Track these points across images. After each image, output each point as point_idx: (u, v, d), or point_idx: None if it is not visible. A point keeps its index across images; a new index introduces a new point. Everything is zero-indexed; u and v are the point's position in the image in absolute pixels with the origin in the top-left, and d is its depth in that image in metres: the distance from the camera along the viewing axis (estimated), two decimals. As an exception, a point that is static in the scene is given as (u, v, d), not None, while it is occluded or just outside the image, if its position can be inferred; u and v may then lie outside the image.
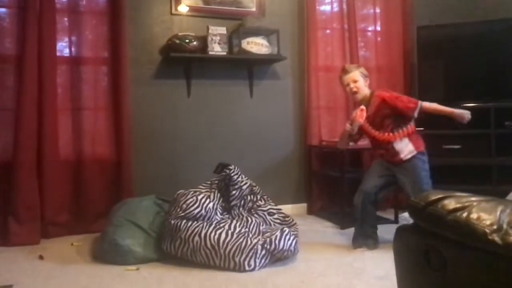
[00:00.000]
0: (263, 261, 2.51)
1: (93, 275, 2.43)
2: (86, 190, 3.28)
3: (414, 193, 2.55)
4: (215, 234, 2.50)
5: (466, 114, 2.80)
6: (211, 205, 2.66)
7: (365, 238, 2.87)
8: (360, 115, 2.71)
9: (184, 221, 2.58)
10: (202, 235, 2.50)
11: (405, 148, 2.78)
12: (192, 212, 2.60)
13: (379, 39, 4.17)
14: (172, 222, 2.59)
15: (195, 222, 2.58)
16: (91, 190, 3.29)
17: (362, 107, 2.74)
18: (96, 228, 3.17)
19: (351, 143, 3.05)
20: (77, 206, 3.29)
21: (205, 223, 2.58)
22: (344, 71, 2.87)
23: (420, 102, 2.79)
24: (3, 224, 3.05)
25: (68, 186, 3.26)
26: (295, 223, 2.91)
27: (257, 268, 2.47)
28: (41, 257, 2.75)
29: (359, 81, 2.82)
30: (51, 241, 3.12)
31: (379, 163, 2.92)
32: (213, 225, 2.58)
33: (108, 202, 3.25)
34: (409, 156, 2.77)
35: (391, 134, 2.78)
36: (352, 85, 2.82)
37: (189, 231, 2.52)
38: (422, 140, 2.89)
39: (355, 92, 2.83)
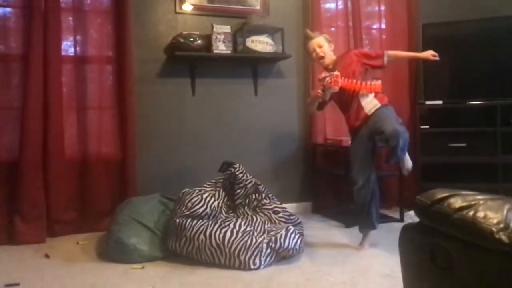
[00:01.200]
0: (268, 259, 2.51)
1: (98, 274, 2.44)
2: (91, 189, 3.29)
3: (388, 129, 2.54)
4: (220, 232, 2.51)
5: (430, 53, 2.84)
6: (216, 203, 2.66)
7: (372, 222, 2.85)
8: (335, 82, 2.64)
9: (189, 219, 2.58)
10: (207, 233, 2.50)
11: (370, 103, 2.76)
12: (197, 211, 2.60)
13: (384, 36, 4.15)
14: (177, 220, 2.60)
15: (200, 220, 2.59)
16: (96, 189, 3.30)
17: (337, 73, 2.68)
18: (102, 227, 3.18)
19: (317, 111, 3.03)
20: (83, 205, 3.30)
21: (210, 222, 2.58)
22: (308, 37, 2.86)
23: (386, 51, 2.88)
24: (9, 223, 3.06)
25: (73, 185, 3.28)
26: (300, 222, 2.91)
27: (262, 266, 2.47)
28: (47, 256, 2.76)
29: (324, 46, 2.82)
30: (57, 239, 3.13)
31: (354, 142, 2.89)
32: (218, 224, 2.58)
33: (114, 201, 3.27)
34: (373, 110, 2.74)
35: (358, 82, 2.76)
36: (318, 50, 2.81)
37: (194, 230, 2.53)
38: (387, 99, 2.87)
39: (322, 57, 2.82)
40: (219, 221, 2.63)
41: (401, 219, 3.55)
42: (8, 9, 3.16)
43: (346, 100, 2.82)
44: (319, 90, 2.78)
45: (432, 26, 3.89)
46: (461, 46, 3.87)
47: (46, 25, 3.10)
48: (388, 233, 3.15)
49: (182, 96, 3.59)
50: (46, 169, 3.13)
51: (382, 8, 4.14)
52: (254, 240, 2.50)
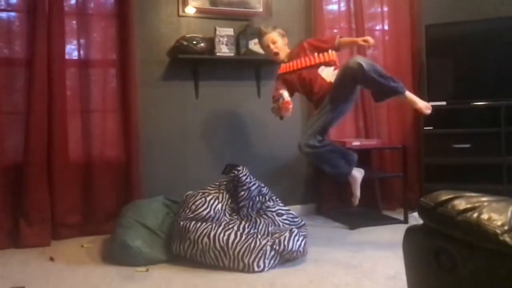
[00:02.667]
0: (272, 262, 2.50)
1: (103, 276, 2.44)
2: (95, 192, 3.30)
3: (349, 64, 2.53)
4: (224, 235, 2.51)
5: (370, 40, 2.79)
6: (219, 206, 2.66)
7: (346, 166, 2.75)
8: (286, 108, 2.62)
9: (193, 222, 2.59)
10: (211, 236, 2.50)
11: (331, 75, 2.74)
12: (201, 213, 2.60)
13: (387, 38, 4.15)
14: (181, 223, 2.60)
15: (204, 223, 2.59)
16: (100, 192, 3.31)
17: (287, 99, 2.66)
18: (106, 229, 3.19)
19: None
20: (87, 208, 3.31)
21: (214, 224, 2.58)
22: (262, 33, 2.84)
23: (338, 36, 2.86)
24: (14, 226, 3.08)
25: (78, 188, 3.29)
26: (304, 224, 2.91)
27: (266, 269, 2.46)
28: (51, 259, 2.77)
29: (277, 41, 2.80)
30: (62, 242, 3.14)
31: (315, 111, 2.81)
32: (222, 226, 2.58)
33: (118, 203, 3.28)
34: (334, 77, 2.73)
35: (311, 57, 2.74)
36: (271, 46, 2.79)
37: (198, 232, 2.53)
38: None
39: (276, 53, 2.80)
40: (223, 223, 2.63)
41: (405, 221, 3.54)
42: (12, 13, 3.18)
43: (309, 84, 2.77)
44: (274, 105, 2.77)
45: (435, 27, 3.89)
46: (464, 46, 3.86)
47: (50, 29, 3.11)
48: (393, 235, 3.14)
49: (186, 99, 3.59)
50: (50, 172, 3.15)
51: (385, 9, 4.13)
52: (258, 242, 2.50)
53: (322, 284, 2.28)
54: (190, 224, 2.57)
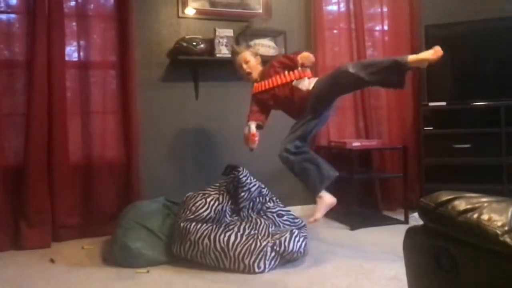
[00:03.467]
0: (272, 263, 2.50)
1: (104, 278, 2.44)
2: (96, 193, 3.31)
3: (343, 67, 2.49)
4: (224, 236, 2.51)
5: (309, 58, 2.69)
6: (220, 207, 2.66)
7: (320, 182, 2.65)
8: (252, 141, 2.60)
9: (194, 223, 2.59)
10: (212, 237, 2.50)
11: (307, 84, 2.69)
12: (201, 215, 2.60)
13: (386, 38, 4.15)
14: (182, 224, 2.60)
15: (205, 224, 2.59)
16: (101, 193, 3.31)
17: (253, 131, 2.63)
18: (107, 231, 3.18)
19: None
20: (87, 209, 3.31)
21: (214, 226, 2.58)
22: (235, 52, 2.81)
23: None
24: (15, 228, 3.08)
25: (78, 189, 3.29)
26: (304, 225, 2.90)
27: (266, 270, 2.46)
28: (52, 261, 2.77)
29: (250, 60, 2.76)
30: (62, 244, 3.14)
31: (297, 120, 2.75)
32: (222, 228, 2.58)
33: (118, 205, 3.28)
34: (313, 83, 2.67)
35: (284, 75, 2.70)
36: (244, 66, 2.76)
37: (199, 234, 2.53)
38: None
39: (249, 73, 2.76)
40: (223, 224, 2.63)
41: (406, 221, 3.54)
42: (12, 15, 3.18)
43: (286, 101, 2.72)
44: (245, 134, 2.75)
45: (435, 27, 3.89)
46: (464, 47, 3.86)
47: (49, 31, 3.12)
48: (393, 235, 3.14)
49: (185, 100, 3.60)
50: (50, 174, 3.15)
51: (385, 9, 4.13)
52: (258, 243, 2.49)
53: (322, 285, 2.28)
54: (190, 226, 2.57)
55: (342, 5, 4.03)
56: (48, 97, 3.13)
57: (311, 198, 2.70)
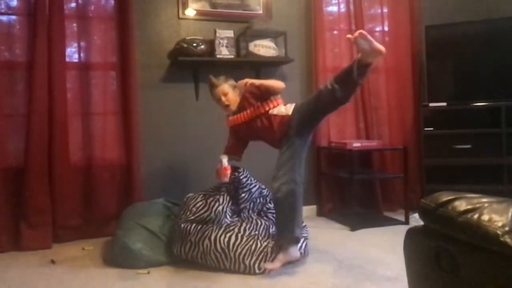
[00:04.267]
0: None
1: (104, 279, 2.44)
2: (96, 194, 3.31)
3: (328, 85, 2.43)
4: (225, 237, 2.51)
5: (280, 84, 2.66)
6: (220, 208, 2.66)
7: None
8: (223, 174, 2.57)
9: (194, 224, 2.59)
10: (212, 238, 2.50)
11: (284, 109, 2.65)
12: (202, 216, 2.60)
13: (387, 39, 4.15)
14: (182, 225, 2.60)
15: (205, 225, 2.59)
16: (101, 194, 3.31)
17: (225, 165, 2.59)
18: (107, 232, 3.19)
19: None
20: (88, 211, 3.31)
21: (214, 226, 2.58)
22: (213, 85, 2.78)
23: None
24: (15, 229, 3.08)
25: (78, 191, 3.29)
26: (305, 226, 2.90)
27: (267, 271, 2.46)
28: (53, 262, 2.77)
29: (229, 93, 2.75)
30: (63, 245, 3.15)
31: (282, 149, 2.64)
32: (223, 228, 2.58)
33: (119, 206, 3.28)
34: (291, 109, 2.62)
35: (257, 106, 2.67)
36: (223, 98, 2.74)
37: (199, 235, 2.53)
38: None
39: (227, 106, 2.75)
40: (224, 225, 2.63)
41: (406, 222, 3.54)
42: (13, 17, 3.18)
43: (265, 130, 2.67)
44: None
45: (435, 28, 3.89)
46: (464, 47, 3.86)
47: (50, 32, 3.12)
48: (394, 236, 3.14)
49: (186, 101, 3.60)
50: (51, 175, 3.15)
51: (385, 10, 4.13)
52: (259, 244, 2.50)
53: (323, 285, 2.28)
54: (191, 227, 2.58)
55: (342, 6, 4.03)
56: (49, 98, 3.13)
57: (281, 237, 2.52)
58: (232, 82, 2.80)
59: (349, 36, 2.24)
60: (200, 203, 2.65)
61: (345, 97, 2.41)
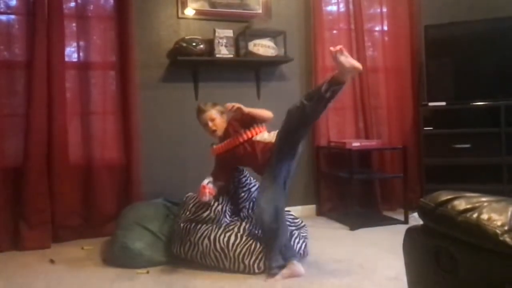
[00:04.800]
0: None
1: (104, 279, 2.44)
2: (95, 194, 3.30)
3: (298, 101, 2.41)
4: (224, 236, 2.51)
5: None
6: (220, 207, 2.66)
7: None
8: (203, 193, 2.53)
9: (193, 224, 2.59)
10: (212, 238, 2.50)
11: (266, 135, 2.65)
12: (201, 215, 2.60)
13: (386, 38, 4.15)
14: (181, 225, 2.60)
15: (204, 225, 2.59)
16: (100, 194, 3.31)
17: (203, 184, 2.56)
18: (106, 232, 3.18)
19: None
20: (87, 210, 3.31)
21: (214, 226, 2.58)
22: (201, 111, 2.78)
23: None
24: (15, 229, 3.08)
25: (78, 190, 3.29)
26: (304, 225, 2.90)
27: (266, 270, 2.46)
28: (52, 261, 2.77)
29: (216, 118, 2.74)
30: (62, 245, 3.14)
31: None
32: (222, 228, 2.58)
33: (118, 206, 3.28)
34: (275, 136, 2.61)
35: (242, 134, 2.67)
36: (210, 124, 2.73)
37: (199, 234, 2.53)
38: None
39: (214, 131, 2.74)
40: (223, 225, 2.63)
41: (406, 221, 3.54)
42: (12, 16, 3.18)
43: (248, 157, 2.66)
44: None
45: (434, 28, 3.89)
46: (463, 47, 3.86)
47: (49, 32, 3.12)
48: (393, 235, 3.14)
49: (185, 101, 3.59)
50: (50, 174, 3.15)
51: (384, 10, 4.13)
52: (258, 244, 2.49)
53: (322, 285, 2.28)
54: (190, 226, 2.57)
55: (341, 5, 4.03)
56: (48, 98, 3.13)
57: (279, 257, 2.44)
58: (219, 107, 2.80)
59: (331, 48, 2.23)
60: (200, 202, 2.65)
61: (315, 112, 2.39)
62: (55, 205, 3.16)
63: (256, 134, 2.67)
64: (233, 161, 2.76)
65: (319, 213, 3.93)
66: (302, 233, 2.74)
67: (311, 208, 3.96)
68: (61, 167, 3.17)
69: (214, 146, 2.78)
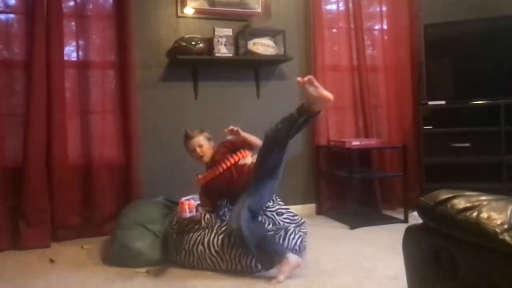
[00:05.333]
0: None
1: (103, 278, 2.44)
2: (95, 193, 3.30)
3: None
4: (217, 239, 2.49)
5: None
6: (209, 215, 2.64)
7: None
8: (182, 209, 2.46)
9: (185, 233, 2.59)
10: (205, 243, 2.49)
11: (249, 159, 2.71)
12: (193, 227, 2.60)
13: (386, 37, 4.15)
14: (174, 235, 2.61)
15: (197, 232, 2.58)
16: (100, 193, 3.31)
17: (182, 201, 2.49)
18: (106, 231, 3.19)
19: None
20: (87, 209, 3.31)
21: (206, 231, 2.56)
22: (189, 137, 2.82)
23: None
24: (14, 228, 3.07)
25: (77, 190, 3.29)
26: (304, 222, 2.90)
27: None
28: (52, 261, 2.76)
29: (204, 145, 2.77)
30: (62, 244, 3.14)
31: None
32: (214, 231, 2.55)
33: (117, 205, 3.28)
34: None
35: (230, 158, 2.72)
36: (198, 150, 2.76)
37: (192, 241, 2.53)
38: None
39: (201, 157, 2.77)
40: (215, 227, 2.58)
41: (406, 220, 3.54)
42: (11, 15, 3.18)
43: (235, 181, 2.68)
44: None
45: (434, 26, 3.88)
46: (463, 46, 3.86)
47: (48, 31, 3.12)
48: (393, 234, 3.14)
49: (185, 100, 3.59)
50: (50, 174, 3.15)
51: (384, 8, 4.13)
52: None
53: (322, 284, 2.28)
54: (182, 235, 2.58)
55: (341, 4, 4.02)
56: (47, 97, 3.12)
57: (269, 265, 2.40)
58: (207, 134, 2.84)
59: (298, 79, 2.23)
60: (182, 219, 2.61)
61: (288, 135, 2.41)
62: (54, 205, 3.16)
63: (243, 157, 2.73)
64: (220, 188, 2.76)
65: (319, 212, 3.93)
66: (301, 229, 2.73)
67: (311, 207, 3.96)
68: (61, 166, 3.17)
69: (200, 176, 2.79)
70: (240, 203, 2.49)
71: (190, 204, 2.45)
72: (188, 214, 2.43)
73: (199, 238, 2.53)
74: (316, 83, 2.21)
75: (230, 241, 2.48)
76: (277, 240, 2.56)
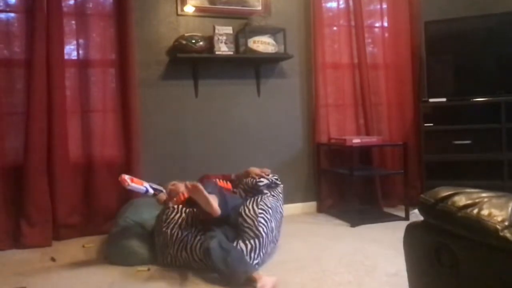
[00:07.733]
0: (254, 255, 2.47)
1: (105, 276, 2.44)
2: (96, 192, 3.31)
3: None
4: (199, 246, 2.45)
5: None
6: (185, 208, 2.65)
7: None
8: (122, 181, 2.54)
9: (169, 235, 2.55)
10: (188, 249, 2.48)
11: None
12: (173, 218, 2.60)
13: (386, 35, 4.14)
14: (156, 239, 2.61)
15: (180, 233, 2.53)
16: (101, 192, 3.31)
17: (123, 176, 2.58)
18: (107, 229, 3.17)
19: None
20: (88, 208, 3.31)
21: (189, 236, 2.52)
22: (176, 185, 2.85)
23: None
24: (15, 227, 3.08)
25: (78, 188, 3.29)
26: (280, 185, 3.05)
27: (255, 266, 2.43)
28: (53, 259, 2.77)
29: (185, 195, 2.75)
30: (63, 243, 3.15)
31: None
32: (198, 237, 2.49)
33: (118, 203, 3.29)
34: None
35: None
36: (182, 197, 2.71)
37: (175, 247, 2.51)
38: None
39: (180, 202, 2.73)
40: (199, 233, 2.52)
41: (407, 218, 3.54)
42: (12, 14, 3.18)
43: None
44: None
45: (435, 24, 3.88)
46: (464, 43, 3.85)
47: (49, 30, 3.12)
48: (394, 232, 3.15)
49: (185, 98, 3.59)
50: (51, 173, 3.15)
51: (384, 6, 4.12)
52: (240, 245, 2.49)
53: (323, 282, 2.28)
54: (167, 238, 2.55)
55: (341, 2, 4.01)
56: (48, 96, 3.12)
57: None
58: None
59: (187, 183, 2.36)
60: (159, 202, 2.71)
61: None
62: (55, 203, 3.16)
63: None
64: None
65: (320, 210, 3.93)
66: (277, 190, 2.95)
67: (311, 205, 3.96)
68: (61, 165, 3.17)
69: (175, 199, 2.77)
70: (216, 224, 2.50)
71: (133, 179, 2.58)
72: (130, 185, 2.55)
73: (181, 244, 2.50)
74: (204, 193, 2.31)
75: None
76: (244, 257, 2.42)
